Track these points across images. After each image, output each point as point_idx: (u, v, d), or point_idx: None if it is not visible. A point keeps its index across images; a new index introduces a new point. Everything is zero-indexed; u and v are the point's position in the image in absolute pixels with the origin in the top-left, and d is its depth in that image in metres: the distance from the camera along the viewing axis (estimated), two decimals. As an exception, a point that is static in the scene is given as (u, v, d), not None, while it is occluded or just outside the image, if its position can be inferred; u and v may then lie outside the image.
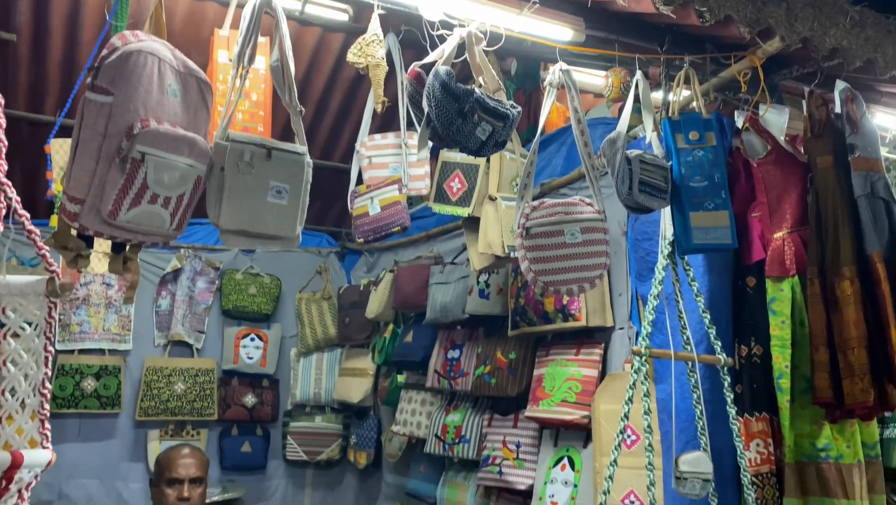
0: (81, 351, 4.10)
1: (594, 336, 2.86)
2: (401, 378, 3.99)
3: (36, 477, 1.57)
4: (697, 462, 1.97)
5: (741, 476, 2.07)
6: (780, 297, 2.19)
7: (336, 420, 4.48)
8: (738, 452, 2.06)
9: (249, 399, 4.40)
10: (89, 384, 4.07)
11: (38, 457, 1.53)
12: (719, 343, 2.10)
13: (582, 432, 2.80)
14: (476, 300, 3.30)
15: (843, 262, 2.03)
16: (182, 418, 4.24)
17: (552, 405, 2.83)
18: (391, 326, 4.07)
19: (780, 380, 2.15)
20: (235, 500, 4.22)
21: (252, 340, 4.46)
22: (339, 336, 4.51)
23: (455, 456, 3.39)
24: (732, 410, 2.09)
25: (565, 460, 2.83)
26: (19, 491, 1.54)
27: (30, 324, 1.56)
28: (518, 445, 3.07)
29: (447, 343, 3.63)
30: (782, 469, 2.18)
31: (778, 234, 2.24)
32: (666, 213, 2.17)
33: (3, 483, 1.44)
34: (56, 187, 2.39)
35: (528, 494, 2.97)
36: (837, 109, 2.22)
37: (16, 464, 1.45)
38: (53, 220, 1.98)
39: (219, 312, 4.49)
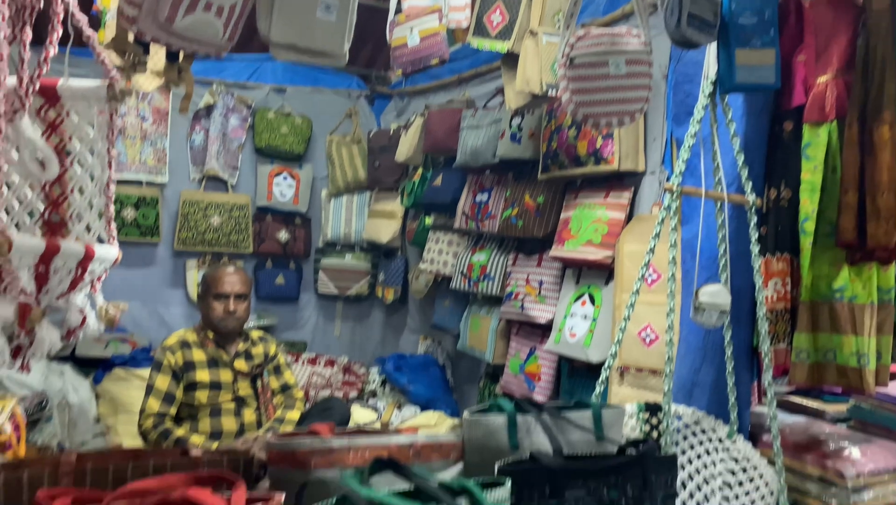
0: (120, 182, 4.23)
1: (624, 181, 2.91)
2: (429, 220, 4.11)
3: (105, 271, 1.72)
4: (717, 294, 2.07)
5: (757, 310, 2.18)
6: (816, 142, 2.20)
7: (365, 259, 4.67)
8: (757, 287, 2.16)
9: (283, 235, 4.57)
10: (129, 214, 4.23)
11: (108, 252, 1.67)
12: (750, 183, 2.15)
13: (604, 271, 2.92)
14: (507, 144, 3.33)
15: (884, 106, 2.01)
16: (219, 250, 4.43)
17: (577, 245, 2.93)
18: (420, 170, 4.14)
19: (805, 223, 2.21)
20: (270, 326, 4.51)
21: (285, 178, 4.57)
22: (369, 179, 4.60)
23: (479, 292, 3.57)
24: (755, 249, 2.16)
25: (586, 297, 2.97)
26: (92, 282, 1.69)
27: (93, 127, 1.64)
28: (541, 283, 3.21)
29: (476, 187, 3.70)
30: (797, 308, 2.28)
31: (822, 79, 2.21)
32: (711, 52, 2.14)
33: (79, 272, 1.58)
34: (102, 2, 2.38)
35: (547, 327, 3.14)
36: (902, -53, 2.11)
37: (89, 256, 1.59)
38: (101, 36, 2.00)
39: (252, 149, 4.58)
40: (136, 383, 3.65)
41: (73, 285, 1.57)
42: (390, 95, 4.80)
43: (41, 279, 1.45)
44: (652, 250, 2.16)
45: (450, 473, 1.51)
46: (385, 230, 4.47)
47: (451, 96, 4.07)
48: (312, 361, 4.26)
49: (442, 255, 3.90)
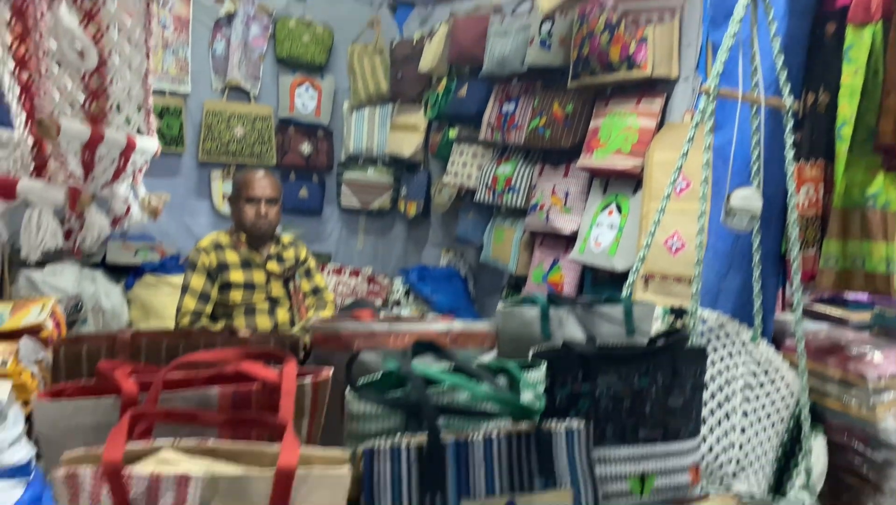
0: (143, 91, 4.21)
1: (656, 88, 2.86)
2: (453, 132, 4.08)
3: (146, 162, 1.74)
4: (749, 198, 2.06)
5: (788, 215, 2.18)
6: (859, 44, 2.15)
7: (388, 173, 4.67)
8: (789, 193, 2.15)
9: (305, 147, 4.57)
10: (153, 124, 4.23)
11: (148, 144, 1.69)
12: (788, 86, 2.11)
13: (632, 181, 2.91)
14: (537, 51, 3.27)
15: (935, 4, 1.95)
16: (242, 161, 4.45)
17: (606, 155, 2.92)
18: (444, 81, 4.08)
19: (842, 128, 2.18)
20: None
21: (307, 89, 4.52)
22: (391, 91, 4.54)
23: (503, 205, 3.57)
24: (790, 154, 2.14)
25: (613, 206, 2.97)
26: (133, 173, 1.72)
27: (130, 16, 1.63)
28: (567, 194, 3.21)
29: (503, 96, 3.65)
30: (827, 215, 2.28)
31: (870, -23, 2.14)
32: (756, -54, 2.06)
33: (122, 162, 1.61)
34: None
35: (571, 238, 3.16)
36: None
37: (130, 146, 1.60)
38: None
39: (273, 59, 4.52)
40: (165, 290, 3.74)
41: (117, 175, 1.60)
42: (413, 3, 4.68)
43: (87, 166, 1.48)
44: (685, 154, 2.14)
45: (485, 359, 1.56)
46: (407, 144, 4.45)
47: (477, 2, 3.97)
48: (338, 272, 4.33)
49: (466, 167, 3.89)
